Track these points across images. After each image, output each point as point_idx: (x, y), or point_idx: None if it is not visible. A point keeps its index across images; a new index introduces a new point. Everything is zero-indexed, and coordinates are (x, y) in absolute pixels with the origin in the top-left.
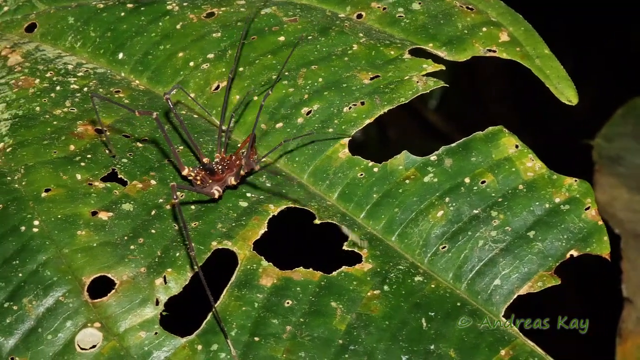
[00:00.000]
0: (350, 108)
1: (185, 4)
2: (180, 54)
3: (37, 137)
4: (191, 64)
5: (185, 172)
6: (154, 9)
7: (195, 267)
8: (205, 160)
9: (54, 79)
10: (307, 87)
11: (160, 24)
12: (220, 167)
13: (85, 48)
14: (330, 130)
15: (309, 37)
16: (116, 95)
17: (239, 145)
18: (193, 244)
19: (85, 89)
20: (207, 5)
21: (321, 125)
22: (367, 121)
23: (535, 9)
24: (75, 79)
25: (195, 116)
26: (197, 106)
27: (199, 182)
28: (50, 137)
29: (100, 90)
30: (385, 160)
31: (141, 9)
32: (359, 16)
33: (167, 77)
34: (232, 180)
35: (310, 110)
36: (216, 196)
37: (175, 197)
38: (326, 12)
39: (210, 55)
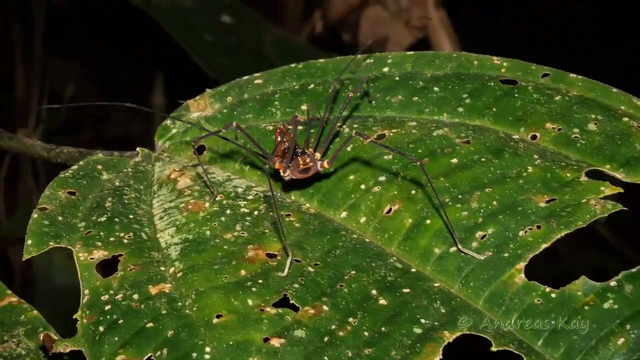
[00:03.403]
0: (526, 232)
1: (355, 126)
2: (351, 177)
3: (207, 262)
4: (362, 186)
5: (285, 175)
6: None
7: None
8: (297, 149)
9: (224, 202)
10: (482, 211)
11: (330, 146)
12: (299, 149)
13: (255, 170)
14: (506, 254)
15: (483, 159)
16: (287, 219)
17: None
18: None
19: (256, 212)
20: (377, 127)
21: (496, 249)
22: (544, 245)
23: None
24: (245, 202)
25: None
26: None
27: (310, 165)
28: (221, 262)
29: (271, 214)
30: (555, 277)
31: (311, 132)
32: (533, 137)
33: (338, 200)
34: (317, 154)
35: (485, 234)
36: (326, 164)
37: None
38: (499, 134)
39: (382, 178)
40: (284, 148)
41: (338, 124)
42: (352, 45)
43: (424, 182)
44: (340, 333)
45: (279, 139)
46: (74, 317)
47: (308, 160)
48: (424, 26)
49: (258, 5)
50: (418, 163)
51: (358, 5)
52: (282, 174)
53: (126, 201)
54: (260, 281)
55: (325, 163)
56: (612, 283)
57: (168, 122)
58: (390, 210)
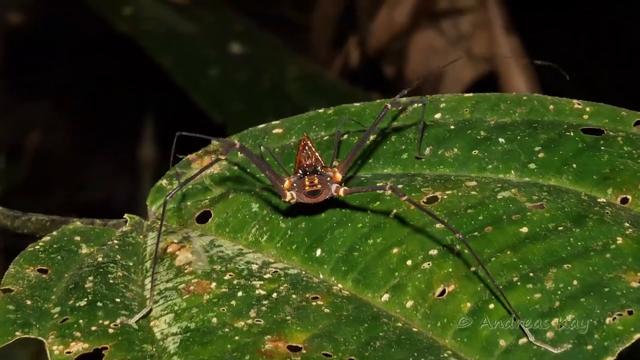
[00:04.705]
0: (614, 319)
1: (400, 186)
2: (395, 250)
3: (214, 356)
4: (409, 262)
5: (288, 199)
6: (360, 193)
7: None
8: (306, 165)
9: (235, 282)
10: (559, 292)
11: (369, 211)
12: (317, 166)
13: (274, 243)
14: (589, 347)
15: (560, 228)
16: (314, 303)
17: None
18: None
19: (275, 294)
20: (427, 188)
21: (577, 340)
22: (637, 335)
23: None
24: (262, 282)
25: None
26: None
27: (319, 187)
28: (231, 356)
29: (294, 296)
30: None
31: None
32: (624, 200)
33: (378, 279)
34: (337, 175)
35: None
36: (341, 192)
37: None
38: (581, 196)
39: (433, 252)
40: (303, 164)
41: (379, 183)
42: (397, 82)
43: (486, 255)
44: None
45: (302, 153)
46: None
47: (316, 180)
48: (491, 57)
49: (277, 30)
50: (458, 234)
51: (405, 29)
52: (281, 197)
53: (111, 281)
54: None
55: (341, 190)
56: None
57: (164, 182)
58: (443, 291)
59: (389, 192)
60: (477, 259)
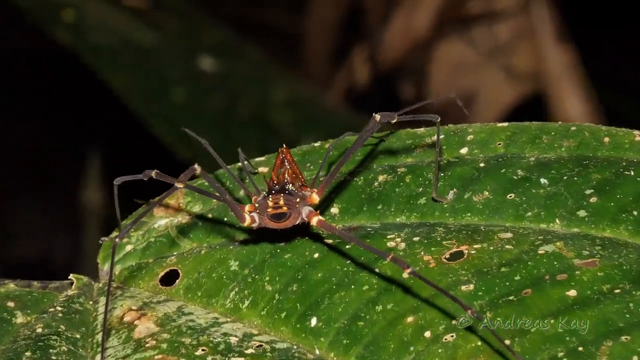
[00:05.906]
0: None
1: (416, 238)
2: (409, 319)
3: None
4: (427, 334)
5: (246, 223)
6: (348, 242)
7: None
8: (274, 181)
9: (209, 359)
10: None
11: (377, 270)
12: (289, 184)
13: (257, 310)
14: None
15: (617, 291)
16: None
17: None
18: None
19: None
20: (451, 241)
21: None
22: None
23: None
24: (243, 358)
25: None
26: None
27: (284, 209)
28: None
29: None
30: None
31: (345, 248)
32: None
33: (389, 354)
34: (313, 196)
35: None
36: (314, 220)
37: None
38: None
39: (457, 321)
40: (272, 181)
41: (390, 235)
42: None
43: (524, 325)
44: None
45: (280, 168)
46: None
47: (282, 201)
48: (536, 74)
49: (262, 39)
50: (469, 311)
51: (427, 39)
52: (240, 222)
53: (54, 357)
54: None
55: (315, 219)
56: None
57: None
58: None
59: (389, 260)
60: (499, 339)
